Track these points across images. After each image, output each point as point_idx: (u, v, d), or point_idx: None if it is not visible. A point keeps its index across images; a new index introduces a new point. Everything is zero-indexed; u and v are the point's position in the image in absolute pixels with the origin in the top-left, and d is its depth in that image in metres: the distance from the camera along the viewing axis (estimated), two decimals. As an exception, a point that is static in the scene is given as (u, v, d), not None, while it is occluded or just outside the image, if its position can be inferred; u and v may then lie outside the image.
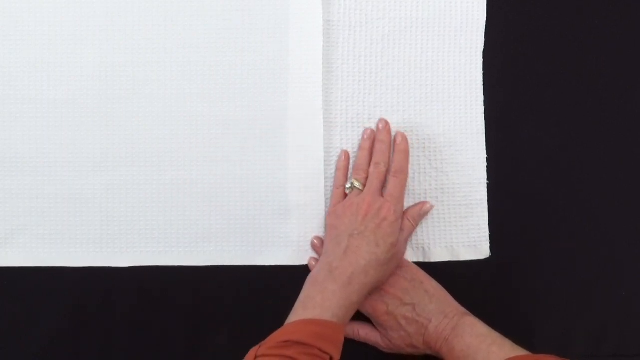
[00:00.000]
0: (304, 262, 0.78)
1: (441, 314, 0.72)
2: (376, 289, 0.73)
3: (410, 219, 0.77)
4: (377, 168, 0.76)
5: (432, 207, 0.78)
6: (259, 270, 0.78)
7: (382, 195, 0.75)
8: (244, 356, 0.66)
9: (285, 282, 0.78)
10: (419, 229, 0.79)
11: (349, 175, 0.78)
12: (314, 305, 0.68)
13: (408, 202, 0.80)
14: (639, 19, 0.83)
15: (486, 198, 0.80)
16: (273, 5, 0.80)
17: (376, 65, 0.81)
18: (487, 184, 0.80)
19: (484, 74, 0.81)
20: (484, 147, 0.81)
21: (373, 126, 0.80)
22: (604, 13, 0.82)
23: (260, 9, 0.80)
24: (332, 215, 0.75)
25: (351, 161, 0.79)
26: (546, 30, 0.82)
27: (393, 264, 0.73)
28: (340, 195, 0.77)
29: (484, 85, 0.81)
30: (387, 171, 0.76)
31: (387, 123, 0.78)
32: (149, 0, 0.79)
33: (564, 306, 0.80)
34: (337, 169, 0.78)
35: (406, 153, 0.77)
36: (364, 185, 0.76)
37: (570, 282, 0.80)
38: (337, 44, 0.80)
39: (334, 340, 0.66)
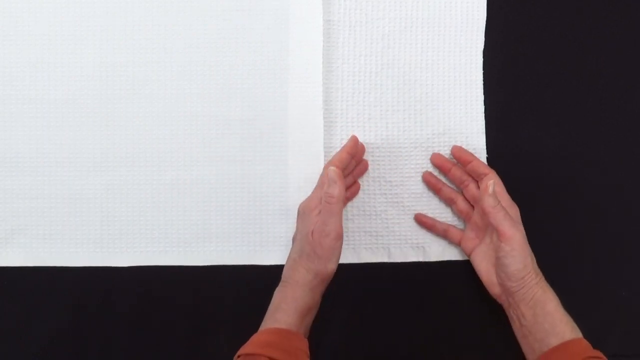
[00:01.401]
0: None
1: (535, 270, 0.71)
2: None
3: (328, 197, 0.71)
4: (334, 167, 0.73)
5: (333, 170, 0.72)
6: (259, 270, 0.78)
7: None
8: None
9: (285, 282, 0.78)
10: (419, 229, 0.79)
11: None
12: (267, 316, 0.70)
13: (409, 203, 0.80)
14: (639, 19, 0.83)
15: (486, 198, 0.80)
16: (273, 5, 0.80)
17: (376, 65, 0.81)
18: (487, 184, 0.80)
19: (484, 74, 0.81)
20: (484, 147, 0.81)
21: (372, 126, 0.80)
22: (604, 13, 0.82)
23: (261, 9, 0.80)
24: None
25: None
26: (546, 30, 0.82)
27: (325, 253, 0.70)
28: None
29: (484, 85, 0.81)
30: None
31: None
32: (149, 0, 0.79)
33: (564, 306, 0.79)
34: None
35: (346, 152, 0.74)
36: None
37: (570, 282, 0.80)
38: (337, 43, 0.80)
39: (282, 348, 0.66)
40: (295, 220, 0.76)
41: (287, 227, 0.78)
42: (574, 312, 0.79)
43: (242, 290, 0.78)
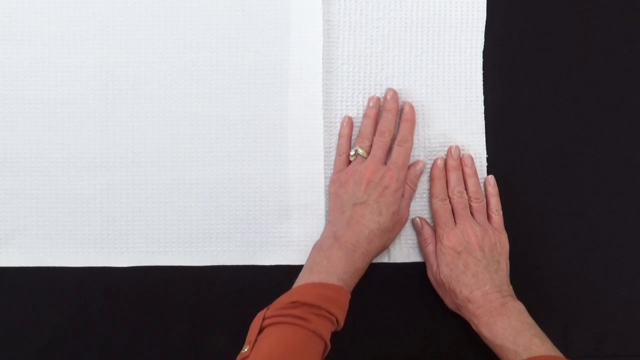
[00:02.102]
0: (304, 262, 0.78)
1: (497, 287, 0.73)
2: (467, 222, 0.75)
3: (410, 183, 0.77)
4: (382, 137, 0.76)
5: (424, 164, 0.79)
6: (259, 270, 0.78)
7: (385, 163, 0.76)
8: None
9: (285, 282, 0.77)
10: (419, 229, 0.79)
11: (353, 143, 0.78)
12: (320, 270, 0.71)
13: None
14: (639, 19, 0.83)
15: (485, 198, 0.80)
16: (273, 6, 0.80)
17: (376, 65, 0.81)
18: (487, 184, 0.80)
19: (484, 74, 0.81)
20: (484, 147, 0.81)
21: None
22: (604, 13, 0.82)
23: (261, 9, 0.80)
24: (336, 183, 0.76)
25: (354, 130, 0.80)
26: (546, 30, 0.82)
27: (396, 230, 0.76)
28: (343, 163, 0.78)
29: (484, 85, 0.81)
30: (392, 140, 0.77)
31: (394, 92, 0.78)
32: (150, 0, 0.79)
33: (564, 306, 0.80)
34: (339, 136, 0.79)
35: (412, 122, 0.78)
36: (368, 153, 0.76)
37: (570, 283, 0.80)
38: (337, 44, 0.80)
39: (339, 304, 0.69)
40: (295, 220, 0.76)
41: (287, 227, 0.78)
42: (574, 312, 0.79)
43: (242, 290, 0.78)
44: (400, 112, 0.78)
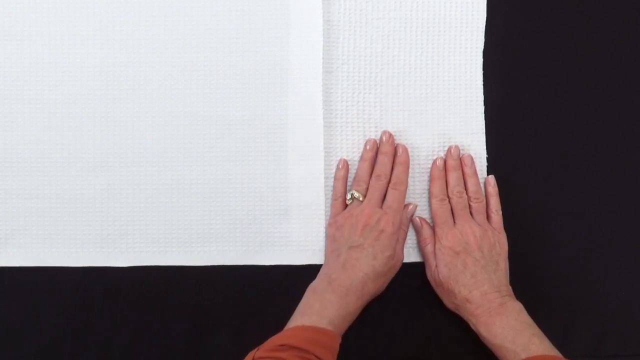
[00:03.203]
0: (304, 262, 0.78)
1: (495, 287, 0.73)
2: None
3: (403, 226, 0.77)
4: (378, 180, 0.76)
5: (416, 206, 0.79)
6: (259, 270, 0.78)
7: (381, 206, 0.75)
8: (244, 356, 0.66)
9: (285, 282, 0.78)
10: (419, 229, 0.79)
11: (349, 186, 0.78)
12: (312, 313, 0.70)
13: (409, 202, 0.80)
14: (639, 19, 0.83)
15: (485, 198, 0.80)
16: (273, 6, 0.80)
17: (376, 65, 0.81)
18: (487, 184, 0.80)
19: (484, 74, 0.81)
20: (484, 147, 0.81)
21: (372, 126, 0.80)
22: (604, 13, 0.82)
23: (261, 9, 0.80)
24: (333, 226, 0.76)
25: (351, 171, 0.79)
26: (546, 30, 0.82)
27: (391, 273, 0.75)
28: (340, 206, 0.77)
29: (484, 85, 0.81)
30: (387, 183, 0.77)
31: (390, 135, 0.78)
32: (150, 0, 0.79)
33: (564, 306, 0.80)
34: (335, 179, 0.79)
35: (406, 165, 0.78)
36: (364, 197, 0.76)
37: (570, 282, 0.80)
38: (337, 44, 0.80)
39: (328, 347, 0.68)
40: (295, 220, 0.76)
41: (287, 227, 0.78)
42: (574, 312, 0.79)
43: (242, 290, 0.78)
44: (394, 154, 0.78)
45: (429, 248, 0.77)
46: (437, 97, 0.81)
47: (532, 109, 0.81)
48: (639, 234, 0.81)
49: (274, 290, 0.78)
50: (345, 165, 0.79)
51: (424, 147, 0.80)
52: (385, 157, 0.77)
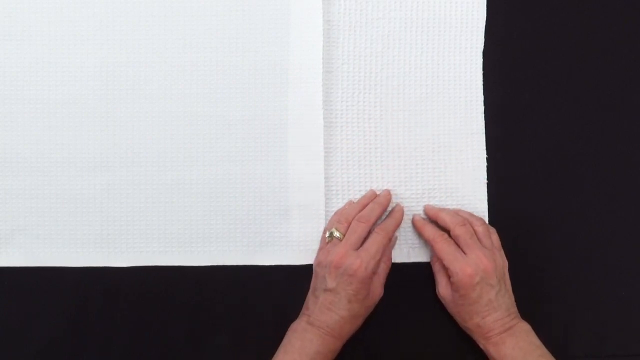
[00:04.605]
0: (304, 262, 0.78)
1: (506, 311, 0.72)
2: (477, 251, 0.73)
3: (387, 261, 0.76)
4: (359, 221, 0.75)
5: (396, 238, 0.78)
6: (259, 270, 0.78)
7: (358, 249, 0.73)
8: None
9: (285, 282, 0.78)
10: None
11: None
12: (293, 351, 0.71)
13: (409, 203, 0.80)
14: (639, 19, 0.83)
15: (486, 198, 0.80)
16: (273, 6, 0.80)
17: (376, 65, 0.81)
18: (487, 183, 0.80)
19: (484, 74, 0.81)
20: (484, 147, 0.81)
21: (372, 126, 0.80)
22: (604, 13, 0.82)
23: (261, 9, 0.80)
24: (315, 262, 0.76)
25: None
26: (546, 30, 0.82)
27: (367, 312, 0.75)
28: (324, 241, 0.77)
29: (484, 85, 0.81)
30: (369, 229, 0.75)
31: (389, 194, 0.78)
32: (150, 0, 0.79)
33: (564, 306, 0.80)
34: (334, 213, 0.78)
35: (398, 222, 0.77)
36: (345, 236, 0.75)
37: (570, 282, 0.80)
38: (337, 44, 0.80)
39: None
40: (295, 220, 0.76)
41: (287, 227, 0.78)
42: (574, 312, 0.79)
43: (242, 290, 0.78)
44: (391, 209, 0.78)
45: (437, 266, 0.76)
46: (437, 97, 0.81)
47: (532, 109, 0.81)
48: (639, 234, 0.81)
49: (274, 290, 0.78)
50: (349, 203, 0.79)
51: (424, 147, 0.80)
52: (376, 206, 0.77)
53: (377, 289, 0.75)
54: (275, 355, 0.72)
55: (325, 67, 0.80)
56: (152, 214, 0.78)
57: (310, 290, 0.75)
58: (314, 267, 0.76)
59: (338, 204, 0.79)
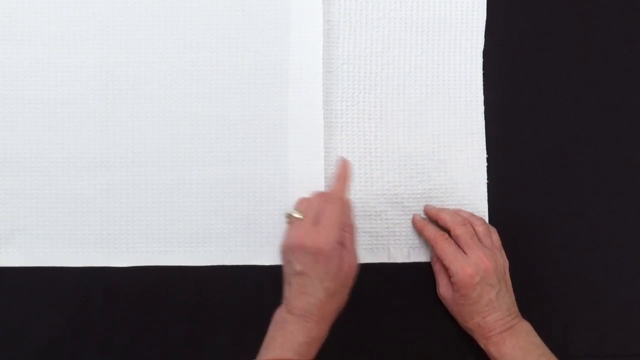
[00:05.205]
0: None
1: (507, 310, 0.72)
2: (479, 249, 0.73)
3: (347, 227, 0.73)
4: (315, 195, 0.74)
5: (349, 200, 0.76)
6: (259, 270, 0.78)
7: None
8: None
9: (285, 282, 0.78)
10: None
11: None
12: (275, 346, 0.69)
13: (409, 203, 0.80)
14: (639, 19, 0.83)
15: (486, 198, 0.80)
16: (273, 6, 0.80)
17: (376, 65, 0.81)
18: (487, 184, 0.80)
19: (484, 74, 0.81)
20: (484, 147, 0.81)
21: (372, 126, 0.80)
22: (604, 13, 0.83)
23: (261, 9, 0.80)
24: (280, 254, 0.75)
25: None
26: (546, 30, 0.82)
27: (346, 286, 0.72)
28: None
29: (484, 85, 0.81)
30: (324, 200, 0.74)
31: (345, 161, 0.78)
32: (150, 0, 0.79)
33: (564, 306, 0.80)
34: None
35: (345, 180, 0.76)
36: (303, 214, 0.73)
37: (570, 282, 0.80)
38: (337, 44, 0.81)
39: None
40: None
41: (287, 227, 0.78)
42: (574, 312, 0.79)
43: (242, 290, 0.78)
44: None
45: (437, 266, 0.76)
46: (437, 97, 0.81)
47: (532, 109, 0.81)
48: (639, 234, 0.81)
49: (273, 290, 0.78)
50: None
51: (424, 147, 0.80)
52: (335, 176, 0.77)
53: (350, 261, 0.72)
54: (258, 354, 0.70)
55: (325, 67, 0.80)
56: (152, 214, 0.78)
57: (284, 280, 0.74)
58: (280, 257, 0.75)
59: (338, 204, 0.79)
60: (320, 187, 0.78)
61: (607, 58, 0.82)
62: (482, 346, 0.73)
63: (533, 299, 0.77)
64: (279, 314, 0.72)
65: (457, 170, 0.80)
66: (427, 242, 0.77)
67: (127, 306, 0.78)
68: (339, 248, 0.71)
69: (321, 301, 0.70)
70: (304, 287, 0.70)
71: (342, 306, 0.73)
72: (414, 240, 0.80)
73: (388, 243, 0.79)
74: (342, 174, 0.77)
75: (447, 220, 0.76)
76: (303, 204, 0.74)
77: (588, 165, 0.81)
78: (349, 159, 0.80)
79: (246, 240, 0.79)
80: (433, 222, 0.78)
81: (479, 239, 0.74)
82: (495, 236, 0.76)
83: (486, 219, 0.79)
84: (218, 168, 0.79)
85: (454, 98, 0.81)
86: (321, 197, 0.74)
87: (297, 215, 0.73)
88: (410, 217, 0.80)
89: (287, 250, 0.72)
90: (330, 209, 0.72)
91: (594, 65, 0.82)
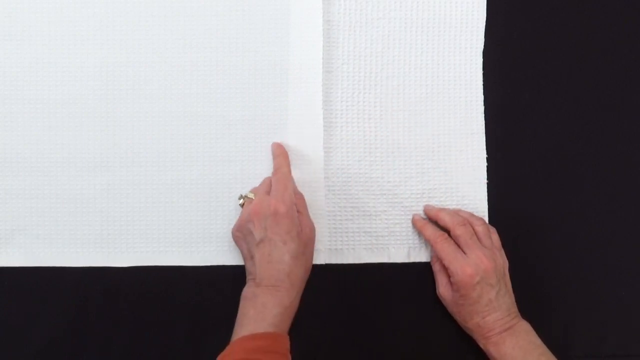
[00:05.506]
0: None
1: (507, 310, 0.73)
2: (477, 250, 0.73)
3: (297, 195, 0.75)
4: (264, 179, 0.76)
5: (290, 174, 0.76)
6: (259, 270, 0.78)
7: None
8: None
9: (285, 282, 0.78)
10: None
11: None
12: (248, 322, 0.69)
13: (409, 203, 0.80)
14: (639, 19, 0.83)
15: (486, 198, 0.80)
16: (273, 6, 0.80)
17: (376, 65, 0.81)
18: (487, 183, 0.80)
19: (484, 74, 0.81)
20: (484, 147, 0.81)
21: (372, 126, 0.80)
22: (604, 13, 0.83)
23: (261, 9, 0.80)
24: (234, 232, 0.75)
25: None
26: (546, 30, 0.82)
27: (310, 246, 0.73)
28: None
29: (484, 85, 0.81)
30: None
31: (278, 144, 0.78)
32: (150, 0, 0.79)
33: (564, 306, 0.80)
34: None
35: (284, 156, 0.77)
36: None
37: (570, 282, 0.80)
38: (337, 44, 0.80)
39: (275, 350, 0.67)
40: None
41: (287, 227, 0.78)
42: (574, 312, 0.79)
43: (242, 291, 0.78)
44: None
45: (437, 266, 0.77)
46: (437, 97, 0.81)
47: (532, 109, 0.81)
48: (639, 234, 0.81)
49: (274, 290, 0.78)
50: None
51: (424, 147, 0.80)
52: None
53: (308, 224, 0.73)
54: (233, 331, 0.70)
55: (325, 67, 0.80)
56: (152, 214, 0.78)
57: (243, 258, 0.74)
58: (234, 237, 0.75)
59: (338, 203, 0.79)
60: (320, 186, 0.78)
61: (607, 58, 0.82)
62: (482, 346, 0.73)
63: (533, 299, 0.77)
64: (247, 290, 0.71)
65: (457, 170, 0.80)
66: (427, 242, 0.77)
67: (127, 306, 0.78)
68: (295, 210, 0.72)
69: (289, 265, 0.70)
70: (269, 255, 0.70)
71: (308, 273, 0.73)
72: (414, 240, 0.80)
73: (388, 243, 0.79)
74: (277, 151, 0.77)
75: (446, 220, 0.76)
76: (254, 188, 0.76)
77: (588, 165, 0.81)
78: (348, 159, 0.80)
79: (246, 240, 0.79)
80: (433, 222, 0.78)
81: (479, 239, 0.74)
82: (495, 236, 0.76)
83: (486, 219, 0.79)
84: (218, 168, 0.79)
85: (454, 98, 0.81)
86: (267, 178, 0.76)
87: (250, 195, 0.74)
88: (410, 217, 0.80)
89: (244, 224, 0.72)
90: (277, 178, 0.74)
91: (594, 65, 0.82)
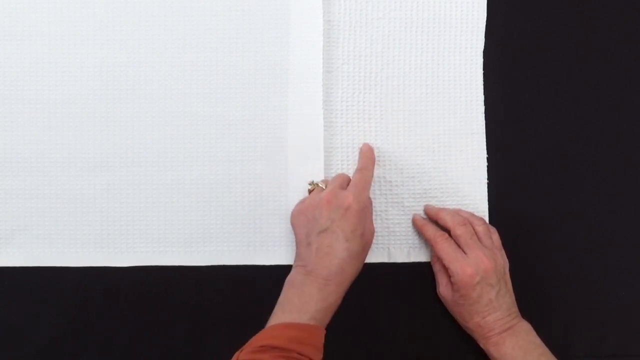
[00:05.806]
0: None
1: (507, 310, 0.73)
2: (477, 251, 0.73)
3: (368, 204, 0.74)
4: (340, 173, 0.76)
5: (372, 177, 0.77)
6: (259, 270, 0.78)
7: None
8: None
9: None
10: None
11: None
12: (292, 309, 0.68)
13: (409, 203, 0.80)
14: (639, 19, 0.83)
15: (486, 198, 0.80)
16: (273, 6, 0.80)
17: (376, 65, 0.81)
18: (487, 183, 0.80)
19: (484, 74, 0.81)
20: (484, 147, 0.81)
21: (372, 126, 0.80)
22: (604, 13, 0.83)
23: (261, 9, 0.80)
24: (295, 214, 0.74)
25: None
26: (546, 30, 0.82)
27: (366, 252, 0.73)
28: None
29: (484, 85, 0.81)
30: (349, 177, 0.76)
31: (369, 146, 0.79)
32: (150, 0, 0.79)
33: (564, 306, 0.80)
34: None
35: (372, 159, 0.77)
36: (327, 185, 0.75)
37: (570, 282, 0.80)
38: (337, 44, 0.81)
39: (312, 343, 0.67)
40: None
41: (287, 227, 0.78)
42: (574, 312, 0.79)
43: (242, 290, 0.78)
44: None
45: (437, 266, 0.76)
46: (437, 97, 0.81)
47: (532, 109, 0.81)
48: (639, 234, 0.81)
49: (274, 290, 0.78)
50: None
51: (424, 147, 0.80)
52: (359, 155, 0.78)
53: (370, 227, 0.73)
54: (273, 313, 0.69)
55: (325, 67, 0.80)
56: (152, 214, 0.78)
57: (298, 242, 0.73)
58: (294, 221, 0.74)
59: (338, 204, 0.79)
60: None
61: (607, 58, 0.82)
62: (482, 346, 0.73)
63: (533, 299, 0.77)
64: (295, 277, 0.70)
65: (457, 170, 0.80)
66: (427, 242, 0.77)
67: (127, 306, 0.78)
68: (366, 212, 0.72)
69: (345, 262, 0.69)
70: (329, 247, 0.69)
71: (356, 277, 0.72)
72: (414, 240, 0.80)
73: (388, 243, 0.79)
74: (367, 153, 0.77)
75: (447, 220, 0.76)
76: (325, 180, 0.76)
77: (588, 165, 0.81)
78: (349, 159, 0.80)
79: (246, 240, 0.79)
80: (433, 222, 0.78)
81: (479, 239, 0.74)
82: (495, 236, 0.76)
83: (486, 219, 0.79)
84: (218, 168, 0.79)
85: (454, 98, 0.81)
86: (343, 174, 0.76)
87: (321, 184, 0.75)
88: (410, 217, 0.80)
89: (311, 209, 0.71)
90: (360, 176, 0.74)
91: (594, 65, 0.82)
